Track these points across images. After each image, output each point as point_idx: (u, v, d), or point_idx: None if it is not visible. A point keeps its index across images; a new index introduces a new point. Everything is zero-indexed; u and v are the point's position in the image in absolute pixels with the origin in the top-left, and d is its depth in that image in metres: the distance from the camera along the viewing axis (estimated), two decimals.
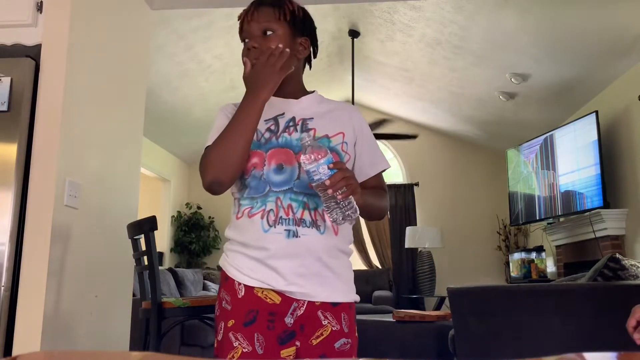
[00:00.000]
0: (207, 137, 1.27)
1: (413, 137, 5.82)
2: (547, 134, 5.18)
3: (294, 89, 1.32)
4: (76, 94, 2.28)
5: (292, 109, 1.30)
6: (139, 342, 2.92)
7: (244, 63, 1.24)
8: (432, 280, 6.46)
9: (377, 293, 6.49)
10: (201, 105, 5.97)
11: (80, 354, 0.64)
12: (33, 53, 2.21)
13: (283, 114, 1.28)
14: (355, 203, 1.13)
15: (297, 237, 1.20)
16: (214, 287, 5.73)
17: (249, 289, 1.21)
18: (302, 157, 1.12)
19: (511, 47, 4.59)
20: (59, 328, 2.16)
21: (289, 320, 1.21)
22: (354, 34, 5.48)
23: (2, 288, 2.03)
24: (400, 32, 5.02)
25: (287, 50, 1.21)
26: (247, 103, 1.22)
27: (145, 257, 2.33)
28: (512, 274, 5.87)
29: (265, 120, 1.26)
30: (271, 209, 1.21)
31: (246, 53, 1.27)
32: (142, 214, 2.59)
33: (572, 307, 2.27)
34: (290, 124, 1.27)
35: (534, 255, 5.62)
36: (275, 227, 1.20)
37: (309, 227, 1.21)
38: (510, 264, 5.98)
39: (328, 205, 1.13)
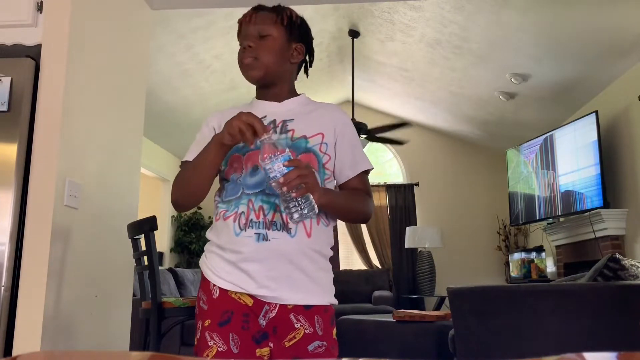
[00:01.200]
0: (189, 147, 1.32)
1: (402, 143, 5.78)
2: (547, 134, 5.18)
3: (280, 92, 1.34)
4: (76, 94, 2.28)
5: (275, 111, 1.31)
6: (139, 342, 2.93)
7: (236, 130, 1.17)
8: (432, 280, 6.46)
9: (377, 293, 6.49)
10: (201, 105, 5.97)
11: (81, 354, 0.64)
12: (33, 53, 2.21)
13: (265, 117, 1.28)
14: (313, 201, 1.12)
15: (267, 240, 1.20)
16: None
17: (223, 290, 1.23)
18: (260, 155, 1.13)
19: (511, 47, 4.59)
20: (59, 328, 2.16)
21: (261, 321, 1.22)
22: (354, 34, 5.48)
23: (2, 288, 2.03)
24: (400, 32, 5.02)
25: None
26: (212, 144, 1.23)
27: (145, 257, 2.33)
28: (512, 274, 5.87)
29: None
30: (242, 212, 1.22)
31: (242, 53, 1.30)
32: (142, 214, 2.59)
33: (572, 307, 2.27)
34: (271, 126, 1.28)
35: (533, 255, 5.62)
36: (245, 230, 1.21)
37: (279, 230, 1.20)
38: (510, 264, 5.98)
39: (285, 203, 1.13)
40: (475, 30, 4.49)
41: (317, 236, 1.24)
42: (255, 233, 1.20)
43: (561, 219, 5.12)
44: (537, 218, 5.37)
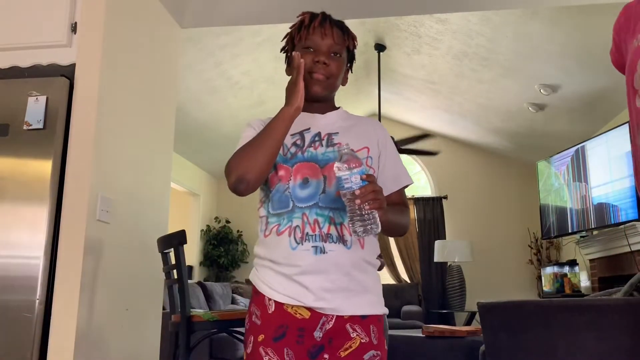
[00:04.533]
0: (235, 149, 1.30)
1: (434, 153, 5.75)
2: (579, 145, 5.08)
3: (325, 106, 1.35)
4: (109, 112, 2.34)
5: (318, 123, 1.32)
6: (168, 355, 2.95)
7: (297, 67, 1.22)
8: (462, 295, 6.36)
9: (405, 308, 6.42)
10: (230, 121, 6.05)
11: None
12: (68, 72, 2.28)
13: (309, 128, 1.30)
14: (378, 218, 1.13)
15: (324, 253, 1.21)
16: (242, 301, 5.76)
17: (279, 304, 1.22)
18: (337, 164, 1.13)
19: (540, 58, 4.54)
20: (91, 340, 2.20)
21: (317, 334, 1.22)
22: (380, 47, 5.49)
23: (37, 301, 2.08)
24: (427, 45, 5.02)
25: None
26: (281, 112, 1.24)
27: (174, 271, 2.36)
28: (545, 289, 5.74)
29: (291, 135, 1.28)
30: (297, 225, 1.22)
31: (313, 66, 1.28)
32: (172, 228, 2.63)
33: (607, 323, 2.21)
34: (316, 138, 1.28)
35: (566, 269, 5.49)
36: (302, 244, 1.21)
37: (335, 242, 1.22)
38: (543, 278, 5.85)
39: (352, 216, 1.13)
40: (503, 41, 4.46)
41: (369, 247, 1.27)
42: (312, 246, 1.21)
43: (594, 232, 5.00)
44: (570, 231, 5.25)
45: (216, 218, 7.43)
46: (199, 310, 3.04)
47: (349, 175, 1.11)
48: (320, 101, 1.34)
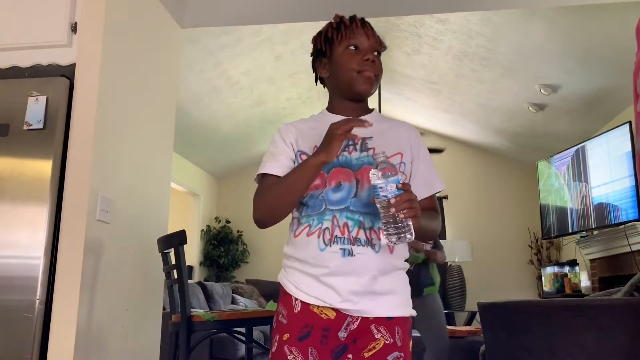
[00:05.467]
0: (262, 160, 1.33)
1: (439, 150, 5.77)
2: (579, 146, 5.08)
3: (358, 108, 1.36)
4: (108, 112, 2.34)
5: None
6: (168, 355, 2.95)
7: (345, 131, 1.19)
8: (463, 295, 6.36)
9: None
10: (229, 121, 6.05)
11: None
12: (68, 72, 2.28)
13: None
14: (412, 227, 1.13)
15: (352, 255, 1.22)
16: (242, 301, 5.76)
17: (305, 304, 1.24)
18: (373, 171, 1.14)
19: (540, 58, 4.54)
20: (91, 340, 2.20)
21: (342, 334, 1.23)
22: None
23: (37, 301, 2.08)
24: (427, 44, 5.01)
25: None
26: (312, 166, 1.22)
27: (175, 271, 2.36)
28: (545, 289, 5.74)
29: None
30: (327, 227, 1.23)
31: (363, 64, 1.29)
32: (172, 228, 2.63)
33: (607, 323, 2.21)
34: (350, 142, 1.29)
35: (567, 269, 5.48)
36: (330, 245, 1.22)
37: (364, 245, 1.23)
38: (543, 278, 5.85)
39: (386, 223, 1.13)
40: (503, 41, 4.46)
41: (398, 251, 1.27)
42: (340, 248, 1.22)
43: (595, 232, 5.00)
44: (570, 231, 5.25)
45: (216, 218, 7.43)
46: (199, 310, 3.04)
47: (385, 184, 1.11)
48: (361, 101, 1.35)
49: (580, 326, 2.23)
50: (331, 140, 1.18)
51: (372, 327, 1.23)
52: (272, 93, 5.72)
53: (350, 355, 1.23)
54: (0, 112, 2.25)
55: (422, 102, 6.45)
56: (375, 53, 1.32)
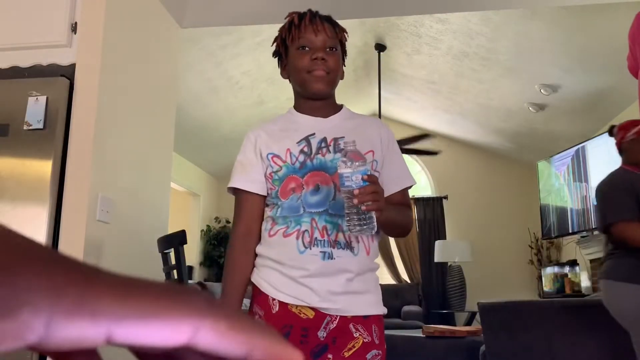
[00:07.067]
0: (233, 167, 1.33)
1: (434, 153, 5.73)
2: (579, 145, 5.08)
3: (328, 105, 1.34)
4: (108, 112, 2.34)
5: (322, 128, 1.31)
6: None
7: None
8: (463, 295, 6.36)
9: (406, 308, 6.41)
10: (230, 121, 6.05)
11: None
12: (68, 72, 2.28)
13: (314, 133, 1.29)
14: (375, 220, 1.13)
15: (332, 258, 1.22)
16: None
17: (283, 304, 1.23)
18: (340, 160, 1.12)
19: (540, 58, 4.54)
20: None
21: (321, 334, 1.23)
22: (380, 47, 5.49)
23: None
24: (427, 44, 5.01)
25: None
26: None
27: (175, 271, 2.36)
28: (545, 289, 5.73)
29: (297, 142, 1.28)
30: (306, 230, 1.23)
31: (310, 62, 1.27)
32: (172, 228, 2.63)
33: (607, 323, 2.21)
34: (322, 144, 1.28)
35: (567, 269, 5.48)
36: (310, 248, 1.22)
37: (343, 248, 1.23)
38: (543, 279, 5.85)
39: (349, 214, 1.12)
40: (503, 41, 4.46)
41: (373, 252, 1.29)
42: (320, 251, 1.22)
43: (595, 232, 5.00)
44: (570, 231, 5.25)
45: (216, 218, 7.43)
46: None
47: (351, 174, 1.10)
48: (322, 99, 1.33)
49: (580, 326, 2.23)
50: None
51: (351, 325, 1.23)
52: (272, 93, 5.72)
53: (330, 355, 1.22)
54: (0, 112, 2.25)
55: (422, 102, 6.45)
56: (329, 49, 1.28)
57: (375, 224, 1.13)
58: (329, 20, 1.32)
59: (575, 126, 5.51)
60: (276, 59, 1.40)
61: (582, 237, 5.27)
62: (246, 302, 1.38)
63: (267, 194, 1.30)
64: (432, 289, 7.03)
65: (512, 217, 6.93)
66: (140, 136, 2.66)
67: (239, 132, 6.56)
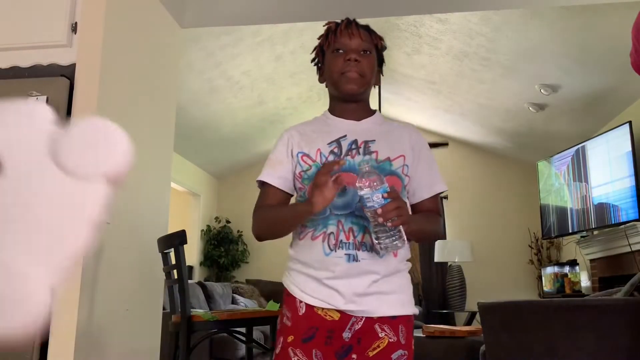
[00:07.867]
0: (265, 163, 1.35)
1: (443, 144, 5.76)
2: (579, 145, 5.08)
3: (361, 109, 1.36)
4: (108, 112, 2.34)
5: (354, 130, 1.33)
6: (168, 355, 2.95)
7: (336, 183, 1.19)
8: (463, 295, 6.36)
9: None
10: (230, 121, 6.05)
11: None
12: (68, 72, 2.28)
13: (345, 135, 1.31)
14: (403, 233, 1.14)
15: (357, 261, 1.23)
16: (242, 301, 5.76)
17: (309, 307, 1.25)
18: (358, 182, 1.14)
19: (540, 58, 4.54)
20: (91, 341, 2.19)
21: (346, 335, 1.24)
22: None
23: None
24: (427, 44, 5.01)
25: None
26: (303, 210, 1.25)
27: (175, 271, 2.36)
28: (545, 289, 5.74)
29: (328, 144, 1.30)
30: (332, 232, 1.24)
31: (344, 64, 1.30)
32: (172, 228, 2.63)
33: (607, 323, 2.21)
34: (353, 146, 1.30)
35: (567, 269, 5.48)
36: (335, 251, 1.24)
37: (369, 251, 1.24)
38: (543, 278, 5.85)
39: (376, 232, 1.15)
40: (503, 41, 4.46)
41: (401, 254, 1.29)
42: (345, 254, 1.23)
43: (595, 232, 5.00)
44: (570, 231, 5.25)
45: (216, 218, 7.43)
46: (199, 310, 3.04)
47: (371, 195, 1.12)
48: (355, 101, 1.35)
49: (580, 326, 2.23)
50: (314, 191, 1.19)
51: (376, 326, 1.24)
52: (272, 93, 5.72)
53: (354, 355, 1.24)
54: None
55: (422, 102, 6.45)
56: (363, 52, 1.31)
57: (404, 237, 1.14)
58: (365, 27, 1.36)
59: (575, 126, 5.51)
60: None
61: (582, 237, 5.27)
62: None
63: (297, 193, 1.33)
64: (432, 289, 7.03)
65: (512, 217, 6.94)
66: (140, 136, 2.66)
67: (239, 132, 6.56)
